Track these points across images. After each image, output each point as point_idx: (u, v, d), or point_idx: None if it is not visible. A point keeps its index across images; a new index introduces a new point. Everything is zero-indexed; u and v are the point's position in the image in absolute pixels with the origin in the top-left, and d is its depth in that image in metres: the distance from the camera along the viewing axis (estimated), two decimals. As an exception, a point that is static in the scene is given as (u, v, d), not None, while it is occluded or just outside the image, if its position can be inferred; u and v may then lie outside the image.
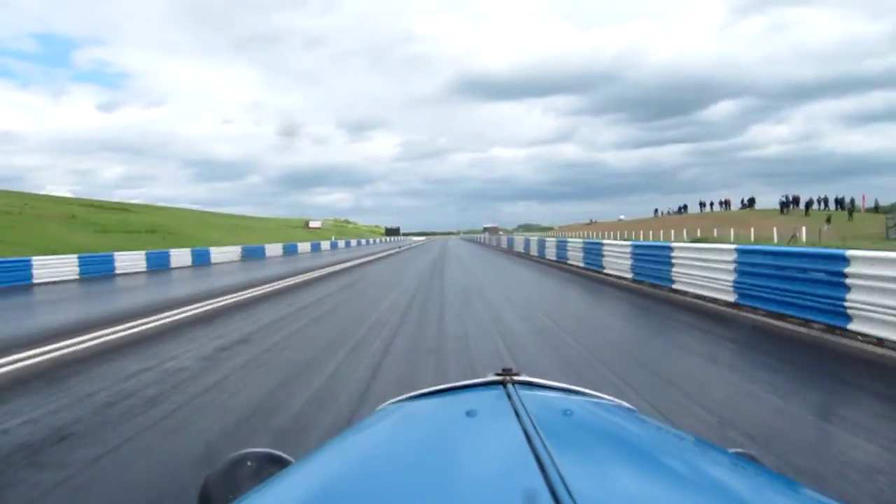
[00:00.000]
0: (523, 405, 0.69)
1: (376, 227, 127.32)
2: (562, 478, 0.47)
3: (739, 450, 0.87)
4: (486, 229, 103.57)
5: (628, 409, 0.85)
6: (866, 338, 4.33)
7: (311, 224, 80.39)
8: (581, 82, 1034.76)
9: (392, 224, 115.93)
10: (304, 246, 36.27)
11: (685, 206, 53.72)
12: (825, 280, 4.84)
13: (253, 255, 26.61)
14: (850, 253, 4.62)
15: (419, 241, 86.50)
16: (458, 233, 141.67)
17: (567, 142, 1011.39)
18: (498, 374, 0.84)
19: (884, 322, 4.17)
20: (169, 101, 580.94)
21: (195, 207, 71.07)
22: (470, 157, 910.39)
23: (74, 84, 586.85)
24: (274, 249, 30.44)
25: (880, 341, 4.20)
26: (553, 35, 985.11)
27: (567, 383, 0.87)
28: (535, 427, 0.60)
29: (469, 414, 0.71)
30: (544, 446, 0.54)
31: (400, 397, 0.89)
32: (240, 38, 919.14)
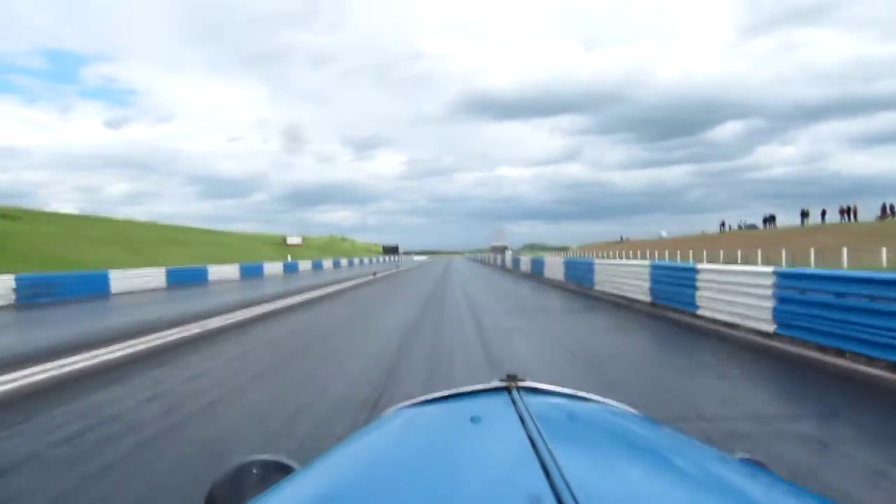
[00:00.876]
0: (528, 411, 0.70)
1: (374, 244, 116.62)
2: (567, 483, 0.48)
3: (746, 455, 0.84)
4: (493, 248, 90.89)
5: (633, 413, 0.86)
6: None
7: (290, 240, 64.87)
8: (587, 102, 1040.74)
9: (391, 242, 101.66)
10: (273, 267, 30.92)
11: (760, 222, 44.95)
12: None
13: (184, 279, 20.23)
14: None
15: (421, 260, 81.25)
16: (462, 252, 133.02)
17: (573, 161, 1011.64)
18: (502, 380, 0.85)
19: None
20: (176, 117, 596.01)
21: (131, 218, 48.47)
22: (476, 176, 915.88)
23: (82, 100, 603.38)
24: (225, 272, 24.16)
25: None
26: (559, 55, 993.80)
27: (572, 388, 0.87)
28: (539, 432, 0.61)
29: (474, 420, 0.71)
30: (549, 452, 0.55)
31: (404, 403, 0.89)
32: (247, 55, 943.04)
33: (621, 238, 66.96)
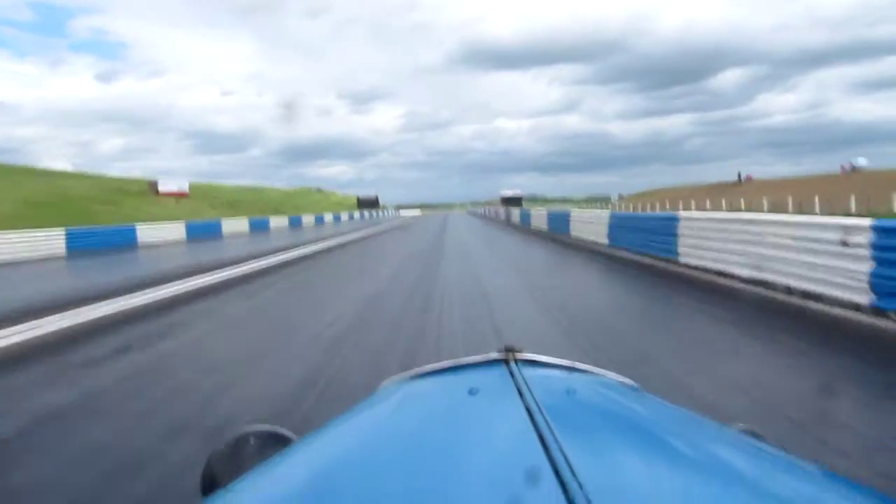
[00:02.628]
0: (526, 383, 0.70)
1: (349, 197, 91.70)
2: (565, 456, 0.48)
3: (743, 426, 0.87)
4: (504, 200, 68.30)
5: (632, 386, 0.87)
6: None
7: (163, 187, 37.71)
8: (588, 51, 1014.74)
9: (368, 194, 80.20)
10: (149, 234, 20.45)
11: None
12: None
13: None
14: None
15: (409, 216, 67.09)
16: (463, 205, 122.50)
17: (572, 112, 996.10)
18: (500, 352, 0.85)
19: None
20: (168, 71, 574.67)
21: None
22: (474, 128, 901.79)
23: (72, 54, 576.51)
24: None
25: None
26: (559, 2, 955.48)
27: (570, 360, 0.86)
28: (538, 405, 0.61)
29: (471, 392, 0.72)
30: (547, 424, 0.55)
31: (401, 375, 0.91)
32: (240, 6, 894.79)
33: (740, 177, 50.80)
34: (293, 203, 61.93)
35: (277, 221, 33.86)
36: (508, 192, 77.21)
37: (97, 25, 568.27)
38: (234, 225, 27.58)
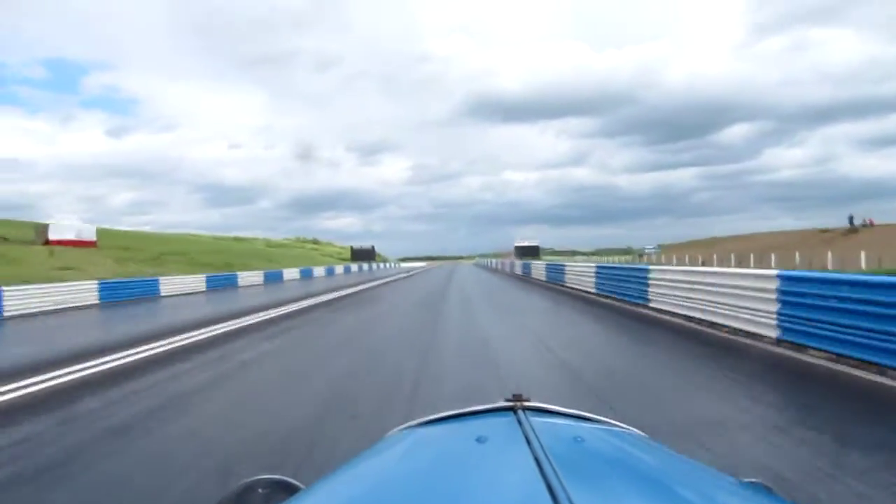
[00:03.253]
0: (534, 432, 0.70)
1: (344, 247, 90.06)
2: None
3: (752, 479, 0.84)
4: (519, 250, 63.42)
5: (640, 436, 0.87)
6: None
7: (56, 234, 28.28)
8: (595, 104, 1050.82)
9: (363, 244, 74.14)
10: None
11: None
12: None
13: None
14: None
15: (413, 267, 66.51)
16: (471, 258, 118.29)
17: (580, 165, 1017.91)
18: (508, 400, 0.85)
19: None
20: (178, 126, 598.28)
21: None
22: (482, 180, 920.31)
23: (83, 110, 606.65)
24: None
25: None
26: (568, 55, 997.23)
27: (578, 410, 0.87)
28: (546, 454, 0.62)
29: (479, 440, 0.72)
30: (555, 474, 0.56)
31: (409, 423, 0.91)
32: (248, 60, 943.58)
33: (851, 221, 41.54)
34: (282, 254, 58.41)
35: (252, 278, 27.58)
36: (524, 242, 69.10)
37: (109, 82, 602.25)
38: (184, 283, 21.63)
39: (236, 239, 72.05)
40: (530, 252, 60.42)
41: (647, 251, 59.40)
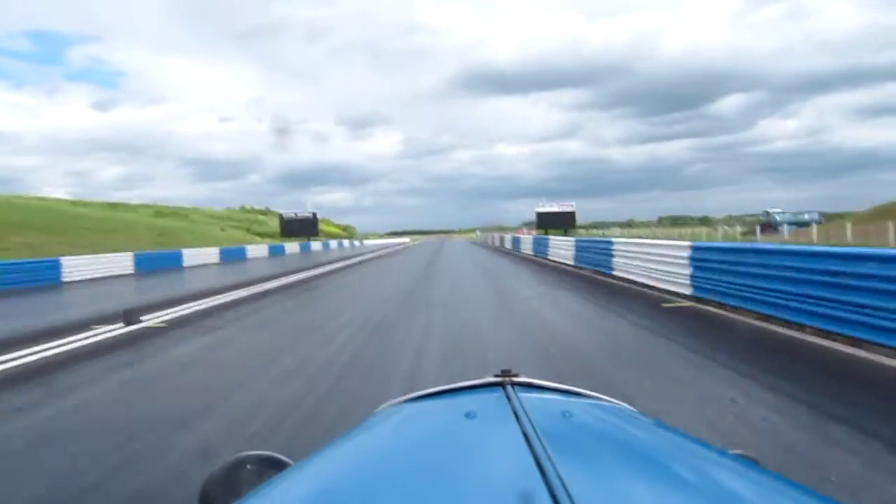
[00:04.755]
0: (522, 407, 0.72)
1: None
2: (561, 480, 0.49)
3: (740, 451, 0.89)
4: (542, 218, 42.75)
5: (629, 410, 0.89)
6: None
7: None
8: (589, 75, 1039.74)
9: (301, 212, 45.74)
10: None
11: None
12: None
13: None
14: None
15: (379, 245, 54.31)
16: (464, 232, 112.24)
17: (572, 138, 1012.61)
18: (497, 376, 0.87)
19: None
20: (166, 99, 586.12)
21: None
22: (473, 154, 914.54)
23: (68, 83, 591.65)
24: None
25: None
26: (561, 26, 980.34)
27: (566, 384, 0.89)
28: (534, 429, 0.63)
29: (468, 416, 0.73)
30: (544, 448, 0.57)
31: (398, 399, 0.93)
32: (237, 32, 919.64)
33: None
34: (181, 228, 42.87)
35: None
36: (549, 207, 43.38)
37: (94, 54, 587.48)
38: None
39: (111, 205, 51.82)
40: (560, 221, 41.29)
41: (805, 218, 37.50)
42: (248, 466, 0.91)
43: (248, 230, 58.56)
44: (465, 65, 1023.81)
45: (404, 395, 0.94)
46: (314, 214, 45.84)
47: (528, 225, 62.71)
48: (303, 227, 44.73)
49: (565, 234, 33.51)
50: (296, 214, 44.79)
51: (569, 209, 43.73)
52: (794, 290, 5.80)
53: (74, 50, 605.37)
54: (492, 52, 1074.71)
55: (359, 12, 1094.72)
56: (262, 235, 54.39)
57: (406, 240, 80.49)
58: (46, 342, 6.22)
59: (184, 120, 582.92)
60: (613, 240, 13.14)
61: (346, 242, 58.31)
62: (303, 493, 0.61)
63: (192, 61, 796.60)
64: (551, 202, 43.86)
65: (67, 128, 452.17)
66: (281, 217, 46.29)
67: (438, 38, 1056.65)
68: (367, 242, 64.13)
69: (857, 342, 4.88)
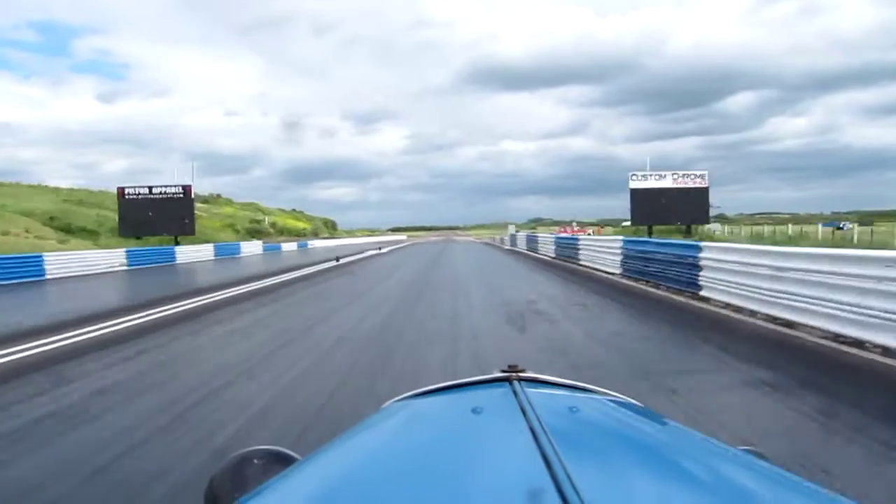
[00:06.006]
0: (529, 403, 0.72)
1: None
2: (568, 475, 0.49)
3: (746, 447, 0.88)
4: (637, 197, 24.52)
5: (635, 405, 0.89)
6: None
7: None
8: (597, 72, 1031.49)
9: (169, 187, 25.56)
10: None
11: None
12: None
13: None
14: None
15: (369, 248, 32.94)
16: (468, 229, 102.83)
17: (579, 135, 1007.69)
18: (504, 371, 0.87)
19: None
20: (171, 92, 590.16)
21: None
22: (480, 150, 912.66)
23: (74, 74, 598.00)
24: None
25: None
26: (570, 21, 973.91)
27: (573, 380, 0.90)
28: (541, 424, 0.63)
29: (475, 411, 0.73)
30: (551, 444, 0.57)
31: (406, 395, 0.93)
32: (243, 25, 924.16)
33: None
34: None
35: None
36: (657, 181, 25.96)
37: (100, 46, 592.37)
38: None
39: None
40: (677, 210, 25.14)
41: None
42: (255, 461, 0.91)
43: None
44: (472, 60, 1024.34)
45: (410, 391, 0.94)
46: (185, 189, 26.65)
47: (580, 224, 53.03)
48: (160, 218, 25.86)
49: (688, 234, 21.62)
50: (150, 191, 26.14)
51: (699, 184, 25.81)
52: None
53: (80, 41, 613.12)
54: (500, 47, 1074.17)
55: (366, 6, 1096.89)
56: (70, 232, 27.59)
57: (402, 237, 72.13)
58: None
59: (189, 113, 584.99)
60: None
61: (287, 245, 37.46)
62: (310, 489, 0.62)
63: (198, 54, 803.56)
64: (656, 173, 26.01)
65: (73, 120, 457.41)
66: (121, 193, 26.50)
67: (447, 33, 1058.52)
68: (330, 244, 44.71)
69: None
